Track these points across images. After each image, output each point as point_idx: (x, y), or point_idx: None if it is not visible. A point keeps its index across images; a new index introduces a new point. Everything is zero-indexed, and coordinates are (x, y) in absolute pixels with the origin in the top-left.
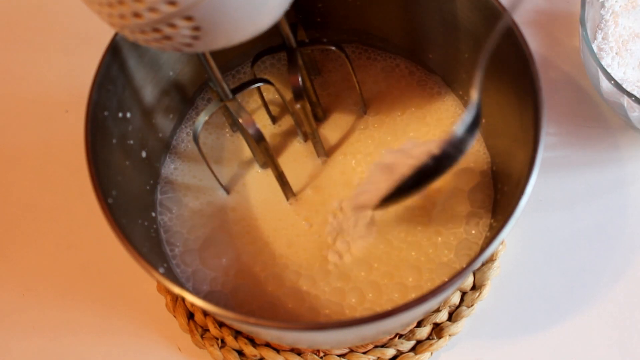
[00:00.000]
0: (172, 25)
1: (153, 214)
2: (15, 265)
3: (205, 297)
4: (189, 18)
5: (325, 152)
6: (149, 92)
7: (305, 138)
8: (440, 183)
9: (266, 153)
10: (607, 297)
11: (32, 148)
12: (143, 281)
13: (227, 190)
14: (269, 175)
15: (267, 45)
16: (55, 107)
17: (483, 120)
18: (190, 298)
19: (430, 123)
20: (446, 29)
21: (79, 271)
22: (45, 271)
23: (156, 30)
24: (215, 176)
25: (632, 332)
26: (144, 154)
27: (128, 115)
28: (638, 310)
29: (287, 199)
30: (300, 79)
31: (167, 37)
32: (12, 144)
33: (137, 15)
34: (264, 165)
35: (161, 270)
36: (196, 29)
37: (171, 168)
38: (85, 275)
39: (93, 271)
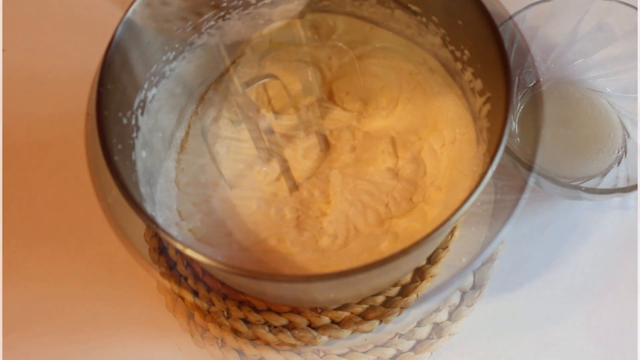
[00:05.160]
0: (199, 14)
1: (153, 214)
2: (15, 265)
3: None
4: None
5: (327, 147)
6: (149, 92)
7: (308, 132)
8: (441, 183)
9: (275, 147)
10: (607, 297)
11: (32, 148)
12: (143, 281)
13: (231, 185)
14: (271, 171)
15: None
16: (55, 107)
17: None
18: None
19: (429, 124)
20: (447, 29)
21: (79, 271)
22: (44, 271)
23: (183, 19)
24: (220, 172)
25: (632, 332)
26: (144, 154)
27: (128, 115)
28: (638, 310)
29: (290, 193)
30: (310, 75)
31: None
32: (12, 143)
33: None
34: (267, 160)
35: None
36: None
37: (171, 167)
38: (84, 275)
39: (93, 271)
